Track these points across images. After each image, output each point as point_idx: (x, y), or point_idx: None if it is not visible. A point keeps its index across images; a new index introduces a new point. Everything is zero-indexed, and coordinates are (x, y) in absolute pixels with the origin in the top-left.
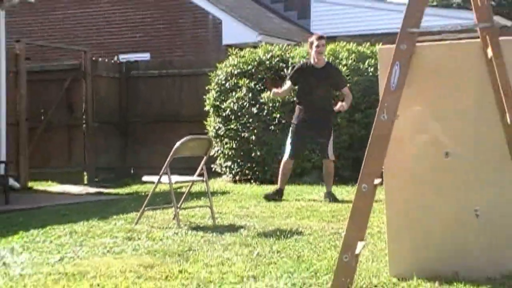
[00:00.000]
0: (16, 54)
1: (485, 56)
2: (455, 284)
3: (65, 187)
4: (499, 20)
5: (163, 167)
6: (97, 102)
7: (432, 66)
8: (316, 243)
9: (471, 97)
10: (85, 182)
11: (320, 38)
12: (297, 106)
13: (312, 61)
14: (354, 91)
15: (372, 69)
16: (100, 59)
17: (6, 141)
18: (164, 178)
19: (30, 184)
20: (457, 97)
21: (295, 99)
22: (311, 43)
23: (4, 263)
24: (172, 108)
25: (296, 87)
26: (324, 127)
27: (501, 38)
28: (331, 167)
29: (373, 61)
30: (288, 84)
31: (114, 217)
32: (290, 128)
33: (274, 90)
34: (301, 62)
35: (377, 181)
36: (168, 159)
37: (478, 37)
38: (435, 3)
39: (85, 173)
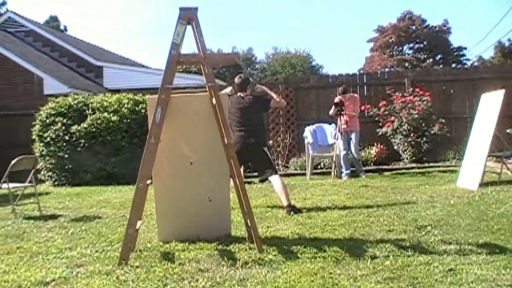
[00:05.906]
0: None
1: (211, 103)
2: (197, 242)
3: None
4: (219, 81)
5: (3, 178)
6: None
7: (181, 109)
8: (110, 223)
9: (204, 128)
10: None
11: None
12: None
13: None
14: (133, 125)
15: (143, 110)
16: None
17: None
18: (4, 185)
19: None
20: (196, 127)
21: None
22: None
23: None
24: (10, 137)
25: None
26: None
27: (220, 92)
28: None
29: (144, 105)
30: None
31: None
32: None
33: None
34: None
35: (148, 181)
36: (6, 172)
37: (207, 91)
38: (181, 70)
39: None
